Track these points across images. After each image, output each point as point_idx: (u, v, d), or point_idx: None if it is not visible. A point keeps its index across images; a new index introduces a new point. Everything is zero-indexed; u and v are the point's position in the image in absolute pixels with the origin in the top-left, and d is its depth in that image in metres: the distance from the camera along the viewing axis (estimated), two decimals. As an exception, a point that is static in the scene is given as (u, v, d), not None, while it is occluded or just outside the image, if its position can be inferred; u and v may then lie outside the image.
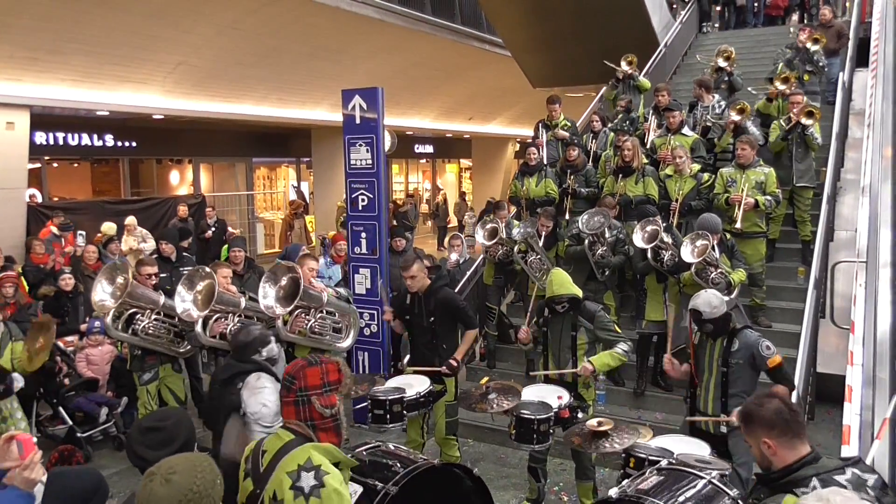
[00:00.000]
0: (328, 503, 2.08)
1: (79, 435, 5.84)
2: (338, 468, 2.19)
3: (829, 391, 5.92)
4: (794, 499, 2.11)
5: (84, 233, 10.19)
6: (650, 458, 3.42)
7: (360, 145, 6.17)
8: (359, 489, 2.80)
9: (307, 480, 2.09)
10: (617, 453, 3.62)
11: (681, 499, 2.81)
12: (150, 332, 5.18)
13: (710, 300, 4.08)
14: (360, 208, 6.29)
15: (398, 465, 3.07)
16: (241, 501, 2.28)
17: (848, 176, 7.68)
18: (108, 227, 10.07)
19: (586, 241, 6.13)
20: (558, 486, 5.23)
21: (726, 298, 4.49)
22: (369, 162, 6.17)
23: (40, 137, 12.72)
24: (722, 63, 8.64)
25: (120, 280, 4.90)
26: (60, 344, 6.39)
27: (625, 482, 3.10)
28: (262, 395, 3.46)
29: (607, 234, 6.10)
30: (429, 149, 24.12)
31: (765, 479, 2.30)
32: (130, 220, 10.31)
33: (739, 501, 2.77)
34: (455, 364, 4.90)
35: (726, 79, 8.62)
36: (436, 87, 17.67)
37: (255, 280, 6.04)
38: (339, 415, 2.30)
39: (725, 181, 6.36)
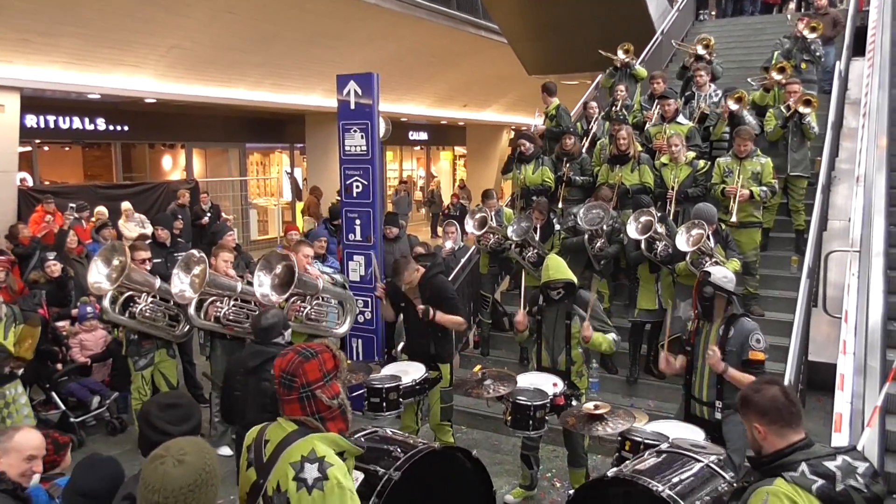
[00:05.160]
0: (331, 496, 2.03)
1: (72, 420, 5.84)
2: (342, 457, 2.15)
3: (819, 379, 5.97)
4: (784, 482, 2.15)
5: (74, 204, 9.99)
6: (646, 441, 3.44)
7: (355, 131, 6.13)
8: (360, 476, 2.79)
9: (310, 472, 2.04)
10: (613, 437, 3.64)
11: (675, 480, 2.83)
12: (148, 314, 5.17)
13: (726, 272, 4.15)
14: (355, 195, 6.25)
15: (398, 450, 3.06)
16: (243, 491, 2.23)
17: (842, 165, 7.69)
18: (101, 212, 9.98)
19: (585, 236, 6.13)
20: (551, 473, 5.27)
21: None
22: (364, 148, 6.13)
23: (31, 120, 12.58)
24: (701, 51, 8.58)
25: (116, 262, 4.86)
26: (61, 332, 6.36)
27: (623, 463, 3.12)
28: None
29: (605, 227, 6.10)
30: (423, 136, 24.03)
31: (756, 463, 2.34)
32: (126, 205, 10.15)
33: (734, 485, 2.80)
34: (429, 311, 4.74)
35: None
36: (431, 74, 17.57)
37: (242, 266, 6.08)
38: (343, 400, 2.23)
39: (722, 171, 6.35)
